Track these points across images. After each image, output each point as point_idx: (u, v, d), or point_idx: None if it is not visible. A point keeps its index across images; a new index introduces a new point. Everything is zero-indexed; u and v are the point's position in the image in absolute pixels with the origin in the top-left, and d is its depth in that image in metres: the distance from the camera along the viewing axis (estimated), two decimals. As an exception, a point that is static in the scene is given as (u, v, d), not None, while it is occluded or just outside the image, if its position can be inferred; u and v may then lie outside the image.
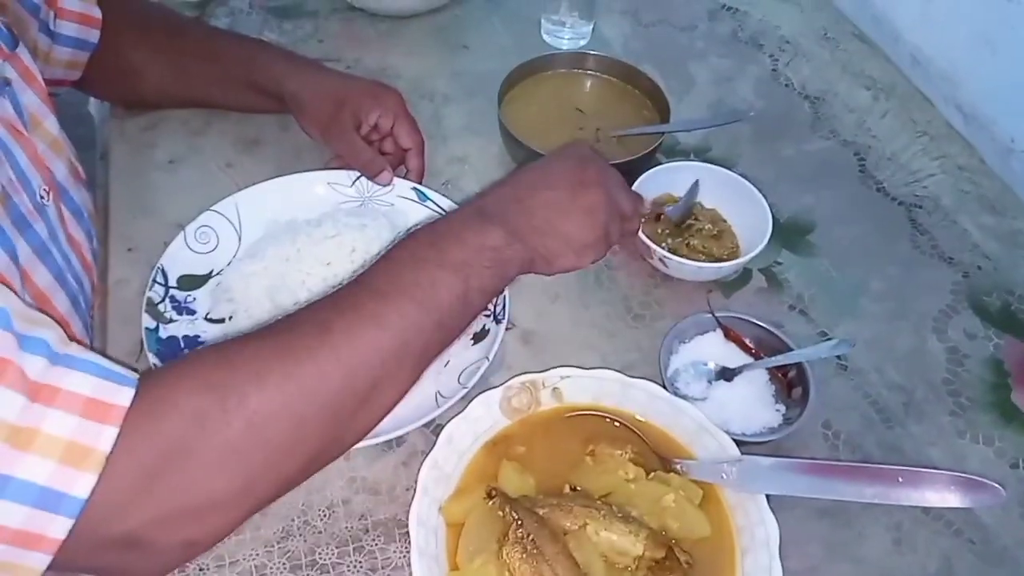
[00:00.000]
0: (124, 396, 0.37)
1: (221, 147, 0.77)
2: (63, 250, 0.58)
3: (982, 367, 0.66)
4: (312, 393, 0.40)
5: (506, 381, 0.55)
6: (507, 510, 0.48)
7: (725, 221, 0.71)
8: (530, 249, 0.50)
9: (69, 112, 0.77)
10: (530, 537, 0.46)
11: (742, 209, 0.70)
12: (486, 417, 0.53)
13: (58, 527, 0.35)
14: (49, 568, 0.36)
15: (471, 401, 0.54)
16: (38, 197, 0.55)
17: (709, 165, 0.72)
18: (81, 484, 0.35)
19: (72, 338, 0.58)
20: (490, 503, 0.48)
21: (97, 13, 0.69)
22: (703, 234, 0.69)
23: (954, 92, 0.86)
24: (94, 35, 0.69)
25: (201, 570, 0.51)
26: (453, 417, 0.53)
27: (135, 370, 0.39)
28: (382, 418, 0.45)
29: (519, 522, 0.47)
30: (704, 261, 0.67)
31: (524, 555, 0.46)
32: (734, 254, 0.69)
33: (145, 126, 0.78)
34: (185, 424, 0.37)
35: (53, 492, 0.34)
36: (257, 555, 0.52)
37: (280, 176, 0.69)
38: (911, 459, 0.60)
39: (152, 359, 0.56)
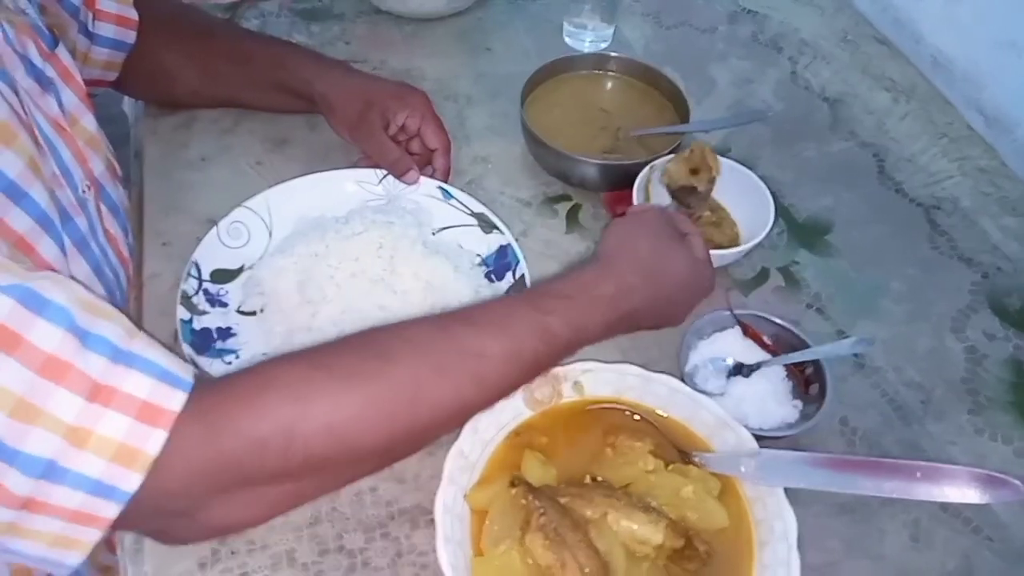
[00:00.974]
0: (176, 401, 0.38)
1: (251, 146, 0.79)
2: (101, 244, 0.60)
3: (1001, 367, 0.66)
4: (378, 442, 0.42)
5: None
6: (530, 499, 0.49)
7: (724, 209, 0.72)
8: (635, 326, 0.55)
9: (103, 111, 0.79)
10: (552, 525, 0.47)
11: (740, 196, 0.71)
12: (509, 408, 0.55)
13: (110, 511, 0.37)
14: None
15: (495, 393, 0.55)
16: (80, 191, 0.57)
17: None
18: (130, 481, 0.37)
19: None
20: (513, 492, 0.50)
21: (133, 15, 0.71)
22: (702, 221, 0.71)
23: (976, 94, 0.86)
24: (131, 36, 0.71)
25: (233, 553, 0.52)
26: (477, 408, 0.54)
27: (195, 363, 0.41)
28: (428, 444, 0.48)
29: (542, 510, 0.48)
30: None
31: (547, 542, 0.47)
32: (734, 241, 0.70)
33: (177, 125, 0.80)
34: (244, 449, 0.39)
35: (105, 485, 0.36)
36: (287, 540, 0.53)
37: (309, 174, 0.71)
38: (930, 457, 0.60)
39: (187, 349, 0.58)
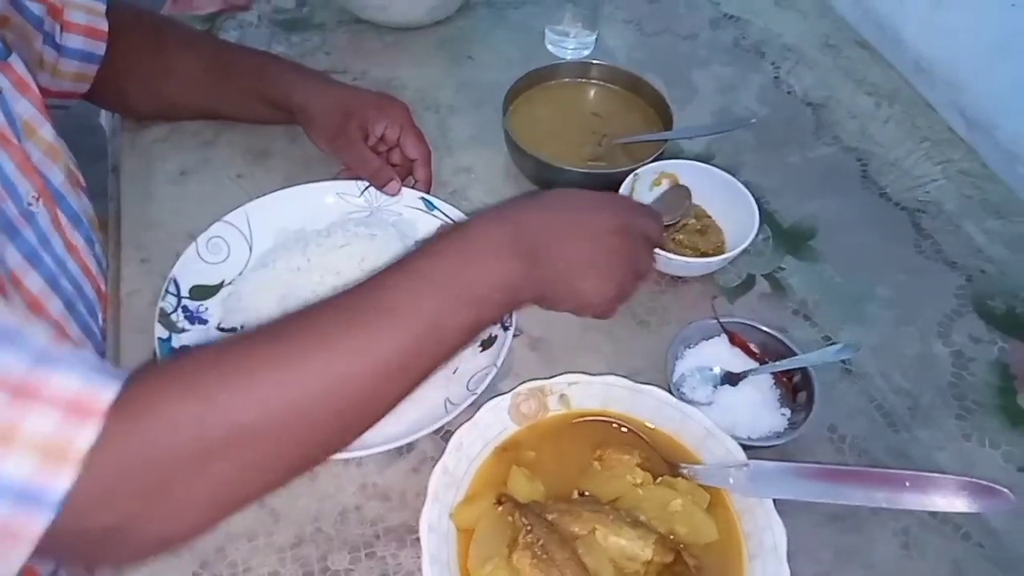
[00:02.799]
0: (107, 394, 0.36)
1: (231, 158, 0.78)
2: (57, 256, 0.59)
3: (988, 371, 0.66)
4: (299, 410, 0.39)
5: (514, 387, 0.55)
6: (517, 516, 0.48)
7: (709, 216, 0.72)
8: (541, 292, 0.49)
9: (79, 123, 0.78)
10: (540, 543, 0.47)
11: (726, 204, 0.71)
12: (495, 423, 0.54)
13: (39, 522, 0.34)
14: (31, 557, 0.35)
15: (480, 407, 0.54)
16: (26, 204, 0.56)
17: (689, 161, 0.73)
18: (61, 481, 0.34)
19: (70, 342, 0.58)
20: (500, 509, 0.49)
21: (104, 26, 0.70)
22: (688, 229, 0.70)
23: (957, 98, 0.86)
24: (100, 48, 0.70)
25: (215, 577, 0.52)
26: (462, 423, 0.53)
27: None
28: (364, 432, 0.44)
29: (529, 528, 0.47)
30: (691, 256, 0.68)
31: (534, 560, 0.46)
32: (720, 249, 0.69)
33: (156, 138, 0.79)
34: (166, 430, 0.37)
35: (34, 489, 0.34)
36: (270, 562, 0.52)
37: (289, 187, 0.70)
38: (918, 463, 0.60)
39: None
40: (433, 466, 0.51)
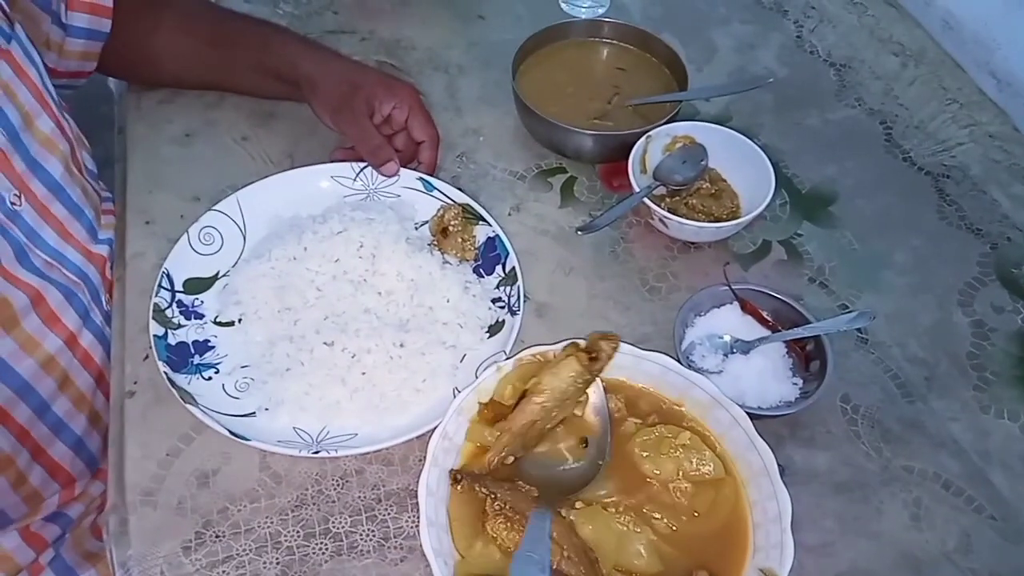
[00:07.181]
0: None
1: (236, 121, 0.77)
2: (52, 249, 0.59)
3: (1008, 341, 0.64)
4: None
5: (518, 352, 0.55)
6: (477, 488, 0.48)
7: (724, 180, 0.70)
8: None
9: (91, 92, 0.77)
10: (508, 505, 0.47)
11: (742, 167, 0.69)
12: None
13: None
14: None
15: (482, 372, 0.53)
16: (8, 204, 0.56)
17: (704, 123, 0.71)
18: None
19: (65, 329, 0.60)
20: (459, 487, 0.48)
21: (108, 2, 0.68)
22: (701, 193, 0.68)
23: (988, 57, 0.82)
24: (106, 25, 0.69)
25: (218, 536, 0.52)
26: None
27: None
28: None
29: (492, 495, 0.47)
30: (704, 221, 0.66)
31: (508, 523, 0.46)
32: (734, 214, 0.67)
33: (161, 100, 0.78)
34: None
35: None
36: (272, 523, 0.53)
37: (282, 172, 0.67)
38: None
39: (163, 368, 0.55)
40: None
